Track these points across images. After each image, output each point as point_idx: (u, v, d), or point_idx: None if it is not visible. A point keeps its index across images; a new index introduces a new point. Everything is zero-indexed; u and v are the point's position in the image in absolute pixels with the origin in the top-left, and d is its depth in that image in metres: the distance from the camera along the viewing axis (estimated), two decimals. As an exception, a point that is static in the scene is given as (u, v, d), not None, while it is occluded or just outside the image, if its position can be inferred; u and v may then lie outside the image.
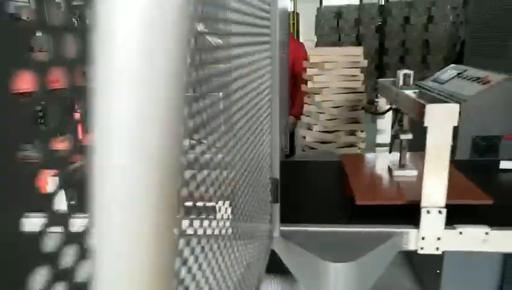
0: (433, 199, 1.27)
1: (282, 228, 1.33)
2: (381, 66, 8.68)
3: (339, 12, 8.66)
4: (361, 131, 2.83)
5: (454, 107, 1.19)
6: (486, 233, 1.29)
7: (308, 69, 2.30)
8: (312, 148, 2.42)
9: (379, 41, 8.53)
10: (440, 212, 1.27)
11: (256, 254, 1.04)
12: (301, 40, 9.87)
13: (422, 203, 1.28)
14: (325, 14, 8.75)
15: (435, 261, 2.41)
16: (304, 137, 2.43)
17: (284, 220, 1.38)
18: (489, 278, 2.31)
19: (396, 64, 8.60)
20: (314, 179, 1.84)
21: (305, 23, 10.77)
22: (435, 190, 1.26)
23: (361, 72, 2.31)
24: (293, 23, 10.89)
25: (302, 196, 1.62)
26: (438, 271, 2.38)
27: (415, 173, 1.64)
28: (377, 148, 2.04)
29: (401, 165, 1.68)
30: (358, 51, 2.22)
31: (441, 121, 1.20)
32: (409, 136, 1.64)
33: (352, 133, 2.42)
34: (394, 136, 1.70)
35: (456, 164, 1.81)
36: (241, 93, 0.78)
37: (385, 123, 2.00)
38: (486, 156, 2.16)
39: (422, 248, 1.32)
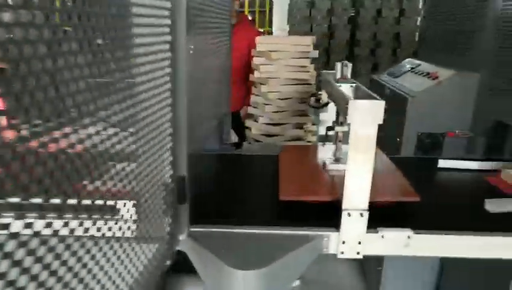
0: (354, 201, 1.19)
1: (194, 229, 1.23)
2: (352, 57, 8.66)
3: (312, 2, 8.53)
4: (313, 124, 2.76)
5: (379, 104, 1.10)
6: (409, 237, 1.23)
7: (254, 58, 2.19)
8: (258, 141, 2.32)
9: (351, 33, 8.48)
10: (362, 215, 1.20)
11: (149, 257, 0.93)
12: (274, 29, 9.74)
13: (344, 206, 1.20)
14: (298, 3, 8.60)
15: (377, 259, 2.38)
16: (250, 129, 2.33)
17: (200, 220, 1.28)
18: (428, 276, 2.30)
19: (367, 56, 8.59)
20: (247, 175, 1.75)
21: (279, 12, 10.59)
22: (357, 192, 1.19)
23: (312, 63, 2.22)
24: (268, 11, 10.72)
25: (227, 193, 1.53)
26: (379, 268, 2.35)
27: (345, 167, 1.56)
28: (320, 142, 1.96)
29: (336, 159, 1.61)
30: (308, 40, 2.12)
31: (364, 118, 1.12)
32: (345, 128, 1.56)
33: (300, 126, 2.33)
34: (329, 128, 1.62)
35: (395, 161, 1.76)
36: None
37: (328, 115, 1.93)
38: (430, 153, 2.12)
39: (342, 253, 1.24)
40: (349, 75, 1.50)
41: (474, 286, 1.94)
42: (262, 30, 10.43)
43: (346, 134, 1.60)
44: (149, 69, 0.85)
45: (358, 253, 1.24)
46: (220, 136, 2.05)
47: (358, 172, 1.17)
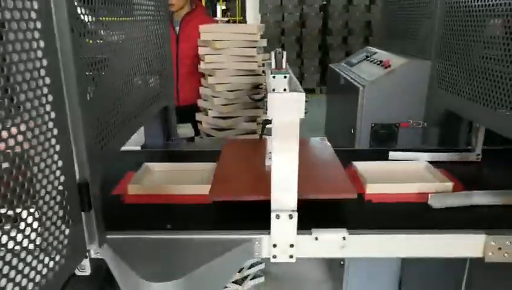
0: (282, 202, 1.10)
1: (113, 236, 1.13)
2: (324, 46, 8.60)
3: (283, -10, 8.41)
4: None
5: (299, 97, 1.01)
6: (344, 238, 1.15)
7: (199, 48, 2.06)
8: (209, 135, 2.22)
9: (323, 22, 8.41)
10: (291, 217, 1.11)
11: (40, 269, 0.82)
12: (247, 19, 9.57)
13: (272, 207, 1.11)
14: (270, -8, 8.47)
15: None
16: (201, 123, 2.22)
17: (124, 225, 1.18)
18: (390, 269, 2.26)
19: (340, 45, 8.54)
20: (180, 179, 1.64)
21: (252, 2, 10.42)
22: (284, 193, 1.10)
23: (260, 53, 2.11)
24: (240, 1, 10.55)
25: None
26: (342, 262, 2.31)
27: (288, 165, 1.47)
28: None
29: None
30: (254, 28, 2.01)
31: (284, 112, 1.02)
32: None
33: (254, 119, 2.23)
34: (266, 122, 1.53)
35: (345, 154, 1.69)
36: None
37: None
38: (385, 144, 2.05)
39: (274, 257, 1.16)
40: (284, 65, 1.40)
41: (433, 275, 1.90)
42: (236, 19, 10.27)
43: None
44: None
45: (291, 256, 1.16)
46: (164, 131, 1.93)
47: (283, 171, 1.07)
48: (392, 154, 1.71)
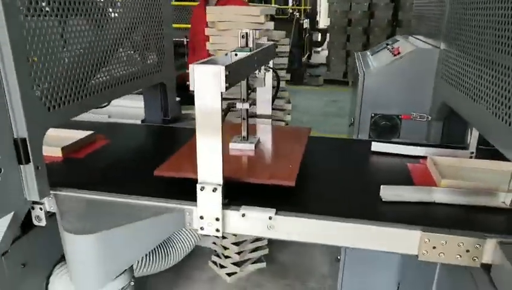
0: (206, 174, 1.12)
1: (60, 193, 1.24)
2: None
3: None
4: (289, 102, 2.64)
5: (219, 70, 1.02)
6: (270, 218, 1.14)
7: (206, 29, 2.12)
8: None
9: (393, 12, 7.95)
10: (215, 190, 1.13)
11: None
12: (319, 9, 9.41)
13: (198, 180, 1.14)
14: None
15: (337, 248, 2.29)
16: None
17: (74, 184, 1.28)
18: (388, 267, 2.15)
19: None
20: (149, 146, 1.74)
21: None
22: (208, 165, 1.12)
23: (264, 36, 2.11)
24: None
25: (114, 162, 1.52)
26: (338, 257, 2.25)
27: (250, 147, 1.48)
28: (257, 120, 1.87)
29: (243, 138, 1.53)
30: (257, 11, 2.01)
31: (206, 85, 1.04)
32: (246, 105, 1.47)
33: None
34: (229, 105, 1.53)
35: (326, 143, 1.65)
36: None
37: (265, 92, 1.83)
38: (385, 137, 1.94)
39: (202, 228, 1.18)
40: (250, 44, 1.39)
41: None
42: (301, 8, 10.13)
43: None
44: None
45: (217, 230, 1.17)
46: (162, 108, 2.03)
47: (207, 144, 1.09)
48: (375, 145, 1.62)
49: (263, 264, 2.61)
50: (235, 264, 2.51)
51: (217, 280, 2.51)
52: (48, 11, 1.20)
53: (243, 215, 1.16)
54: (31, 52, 1.09)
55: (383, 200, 1.23)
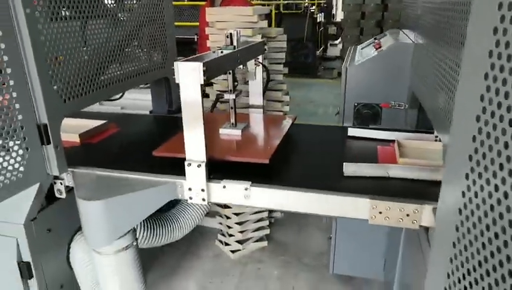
0: (191, 153, 1.36)
1: (76, 170, 1.51)
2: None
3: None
4: (287, 94, 2.84)
5: (197, 65, 1.25)
6: (246, 189, 1.37)
7: (206, 28, 2.35)
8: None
9: None
10: (199, 166, 1.36)
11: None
12: (334, 2, 9.48)
13: (186, 157, 1.37)
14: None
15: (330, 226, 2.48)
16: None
17: (86, 163, 1.54)
18: (376, 244, 2.34)
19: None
20: (152, 133, 2.00)
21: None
22: (193, 146, 1.35)
23: (258, 34, 2.31)
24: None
25: (122, 145, 1.78)
26: (330, 236, 2.45)
27: (237, 132, 1.71)
28: (250, 109, 2.10)
29: (232, 124, 1.75)
30: (250, 11, 2.22)
31: (187, 79, 1.27)
32: (232, 96, 1.69)
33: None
34: (218, 96, 1.75)
35: (311, 129, 1.86)
36: None
37: (256, 85, 2.05)
38: (367, 124, 2.13)
39: (191, 198, 1.42)
40: (234, 43, 1.61)
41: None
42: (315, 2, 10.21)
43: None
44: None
45: (203, 199, 1.41)
46: (167, 101, 2.28)
47: (191, 127, 1.33)
48: (351, 131, 1.82)
49: (264, 243, 2.84)
50: (238, 242, 2.75)
51: (222, 256, 2.76)
52: (66, 16, 1.45)
53: (224, 187, 1.40)
54: (49, 53, 1.35)
55: (345, 175, 1.43)
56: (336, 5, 12.47)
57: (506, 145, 0.61)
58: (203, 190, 1.40)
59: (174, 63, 1.27)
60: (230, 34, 1.61)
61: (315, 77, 8.51)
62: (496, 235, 0.63)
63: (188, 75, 1.27)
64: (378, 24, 8.20)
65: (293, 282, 2.51)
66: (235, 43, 1.62)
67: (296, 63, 8.70)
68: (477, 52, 0.72)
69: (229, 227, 2.73)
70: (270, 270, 2.62)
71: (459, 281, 0.77)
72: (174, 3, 5.75)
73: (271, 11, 5.65)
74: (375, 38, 2.51)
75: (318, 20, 9.04)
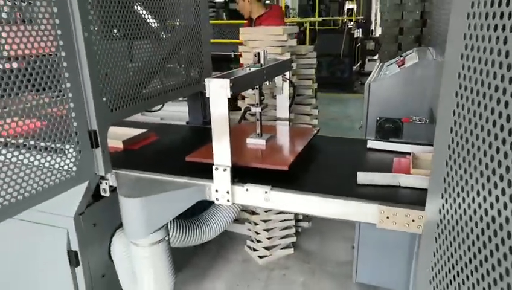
0: (218, 159, 1.53)
1: (120, 171, 1.72)
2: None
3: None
4: (316, 108, 2.98)
5: (225, 82, 1.42)
6: (266, 192, 1.52)
7: (240, 46, 2.54)
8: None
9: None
10: (225, 170, 1.53)
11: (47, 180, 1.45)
12: (373, 17, 9.50)
13: (214, 162, 1.55)
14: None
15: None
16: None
17: (129, 166, 1.75)
18: (401, 254, 2.39)
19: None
20: (186, 141, 2.19)
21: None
22: (220, 152, 1.52)
23: (287, 51, 2.47)
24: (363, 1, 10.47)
25: (160, 152, 1.99)
26: (353, 246, 2.54)
27: (262, 142, 1.86)
28: (277, 122, 2.26)
29: (257, 135, 1.91)
30: (280, 31, 2.39)
31: (216, 93, 1.45)
32: (258, 109, 1.86)
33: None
34: (246, 109, 1.92)
35: (332, 141, 1.99)
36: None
37: (283, 99, 2.21)
38: (389, 137, 2.22)
39: (217, 199, 1.59)
40: (261, 61, 1.78)
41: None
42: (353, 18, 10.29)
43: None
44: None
45: (228, 200, 1.58)
46: (202, 112, 2.48)
47: (219, 137, 1.50)
48: (370, 143, 1.93)
49: (291, 250, 2.96)
50: (266, 248, 2.89)
51: (250, 261, 2.90)
52: (116, 37, 1.69)
53: (247, 190, 1.55)
54: (101, 70, 1.58)
55: (358, 183, 1.55)
56: (375, 20, 12.48)
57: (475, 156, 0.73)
58: (228, 192, 1.56)
59: (206, 79, 1.46)
60: (258, 53, 1.78)
61: (352, 92, 8.55)
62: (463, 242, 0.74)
63: (217, 90, 1.45)
64: (417, 39, 8.15)
65: (317, 289, 2.60)
66: (262, 61, 1.79)
67: (333, 78, 8.80)
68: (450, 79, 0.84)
69: (257, 233, 2.87)
70: (295, 276, 2.73)
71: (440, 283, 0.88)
72: (215, 21, 6.06)
73: (305, 28, 5.80)
74: (400, 56, 2.60)
75: (355, 36, 9.10)
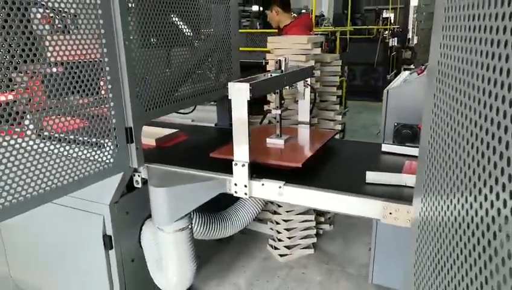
0: (238, 155, 1.69)
1: (151, 165, 1.91)
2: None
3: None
4: (340, 114, 3.09)
5: (245, 86, 1.58)
6: (280, 187, 1.66)
7: (267, 54, 2.71)
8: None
9: None
10: (243, 165, 1.69)
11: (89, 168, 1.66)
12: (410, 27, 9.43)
13: (234, 159, 1.71)
14: (427, -1, 8.24)
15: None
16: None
17: (160, 161, 1.95)
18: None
19: None
20: (212, 141, 2.36)
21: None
22: (239, 149, 1.68)
23: (312, 59, 2.60)
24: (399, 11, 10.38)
25: (187, 149, 2.16)
26: (370, 248, 2.62)
27: (281, 142, 2.01)
28: (299, 125, 2.39)
29: (277, 135, 2.06)
30: (304, 40, 2.53)
31: (237, 96, 1.61)
32: (278, 111, 2.00)
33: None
34: (266, 111, 2.07)
35: (349, 144, 2.10)
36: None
37: (305, 104, 2.34)
38: (406, 142, 2.29)
39: (236, 192, 1.75)
40: (282, 68, 1.93)
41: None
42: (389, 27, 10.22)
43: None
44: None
45: (245, 194, 1.73)
46: (229, 115, 2.65)
47: (239, 135, 1.66)
48: (384, 147, 2.03)
49: (311, 251, 3.06)
50: (286, 247, 3.01)
51: (271, 258, 3.03)
52: (153, 44, 1.89)
53: (262, 184, 1.70)
54: (138, 74, 1.78)
55: (367, 181, 1.66)
56: (412, 29, 12.33)
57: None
58: (245, 186, 1.72)
59: (229, 83, 1.62)
60: (279, 60, 1.94)
61: (384, 101, 8.50)
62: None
63: (238, 93, 1.61)
64: (453, 49, 8.01)
65: (334, 288, 2.69)
66: (283, 68, 1.95)
67: (366, 86, 8.80)
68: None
69: (279, 232, 3.00)
70: (313, 275, 2.83)
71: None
72: (247, 30, 6.27)
73: (336, 37, 5.90)
74: (422, 64, 2.67)
75: (390, 45, 9.07)
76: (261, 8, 8.17)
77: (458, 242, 0.69)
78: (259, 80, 1.72)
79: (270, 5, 3.64)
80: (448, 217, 0.78)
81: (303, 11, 10.60)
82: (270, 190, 1.69)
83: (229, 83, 1.62)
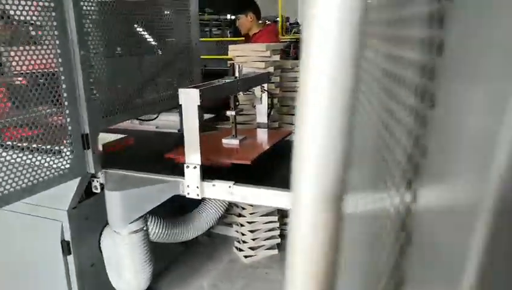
0: (189, 158, 1.77)
1: (109, 170, 1.97)
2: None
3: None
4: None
5: (194, 91, 1.67)
6: (230, 187, 1.74)
7: (229, 62, 2.80)
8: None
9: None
10: (195, 167, 1.76)
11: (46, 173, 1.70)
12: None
13: (186, 161, 1.78)
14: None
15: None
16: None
17: (114, 166, 2.00)
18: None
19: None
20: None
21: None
22: (190, 152, 1.76)
23: (271, 66, 2.71)
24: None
25: (144, 153, 2.23)
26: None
27: (236, 142, 2.10)
28: (257, 127, 2.48)
29: (233, 136, 2.15)
30: (263, 47, 2.64)
31: (187, 101, 1.69)
32: (232, 112, 2.09)
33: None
34: (223, 114, 2.15)
35: None
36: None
37: (262, 107, 2.44)
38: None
39: (188, 193, 1.82)
40: (236, 74, 2.03)
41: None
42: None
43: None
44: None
45: (198, 195, 1.80)
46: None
47: (189, 139, 1.73)
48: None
49: (275, 251, 3.15)
50: (251, 248, 3.09)
51: (237, 261, 3.10)
52: (111, 53, 1.96)
53: (214, 185, 1.78)
54: (94, 83, 1.84)
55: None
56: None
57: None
58: (197, 187, 1.79)
59: (179, 89, 1.70)
60: (232, 65, 2.03)
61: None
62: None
63: (188, 99, 1.69)
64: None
65: (296, 287, 2.78)
66: (236, 74, 2.04)
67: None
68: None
69: (243, 234, 3.07)
70: (277, 275, 2.91)
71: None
72: (218, 39, 6.34)
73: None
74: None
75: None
76: (232, 17, 8.30)
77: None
78: (211, 85, 1.81)
79: (243, 11, 3.68)
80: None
81: (278, 19, 10.76)
82: (221, 190, 1.77)
83: (180, 89, 1.70)
